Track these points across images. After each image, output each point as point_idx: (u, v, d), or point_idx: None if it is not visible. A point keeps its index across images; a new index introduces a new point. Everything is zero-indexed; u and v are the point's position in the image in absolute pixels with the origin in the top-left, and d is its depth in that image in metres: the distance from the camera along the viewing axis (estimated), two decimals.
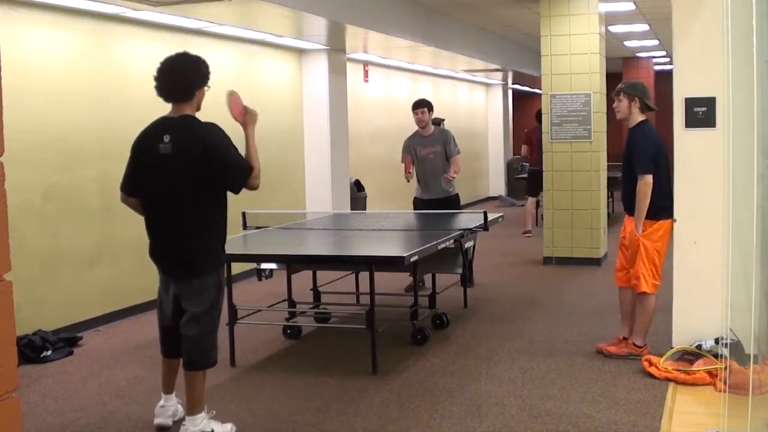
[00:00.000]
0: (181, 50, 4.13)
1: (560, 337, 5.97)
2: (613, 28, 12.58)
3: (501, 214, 7.04)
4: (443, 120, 10.96)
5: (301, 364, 5.48)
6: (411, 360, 5.44)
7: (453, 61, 13.20)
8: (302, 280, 6.59)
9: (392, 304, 6.61)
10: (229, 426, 4.19)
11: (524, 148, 12.00)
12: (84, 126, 6.56)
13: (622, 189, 5.40)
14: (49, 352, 5.70)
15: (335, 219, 7.81)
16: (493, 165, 18.48)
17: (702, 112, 4.99)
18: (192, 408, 4.07)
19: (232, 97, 4.23)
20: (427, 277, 7.01)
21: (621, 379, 4.92)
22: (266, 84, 9.09)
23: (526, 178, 12.35)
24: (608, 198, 11.26)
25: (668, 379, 4.78)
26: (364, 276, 6.21)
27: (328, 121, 9.66)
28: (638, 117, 5.26)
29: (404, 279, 7.35)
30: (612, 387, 4.78)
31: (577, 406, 4.46)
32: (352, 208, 10.12)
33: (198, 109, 4.10)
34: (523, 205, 12.91)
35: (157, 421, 4.29)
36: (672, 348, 5.04)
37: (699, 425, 4.11)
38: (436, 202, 7.47)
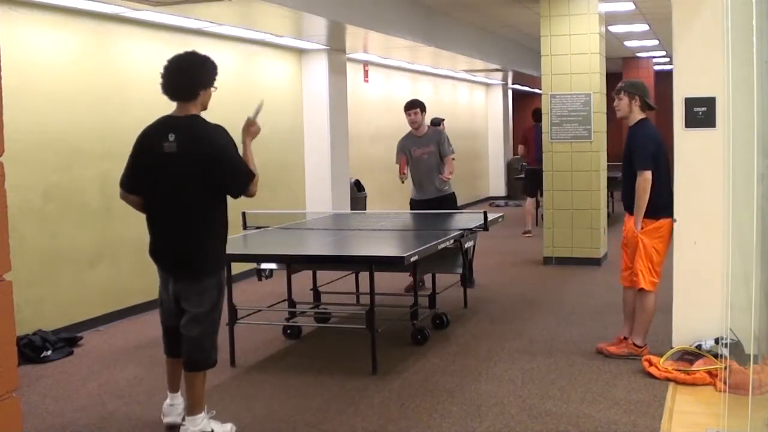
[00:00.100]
0: (187, 50, 4.11)
1: (560, 337, 5.97)
2: (613, 28, 12.58)
3: (501, 214, 7.04)
4: (443, 120, 10.97)
5: (301, 364, 5.48)
6: (411, 360, 5.44)
7: (453, 61, 13.20)
8: (302, 280, 6.59)
9: (392, 304, 6.61)
10: (229, 426, 4.19)
11: (521, 148, 12.00)
12: (84, 126, 6.56)
13: (622, 188, 5.40)
14: (49, 352, 5.70)
15: (335, 219, 7.81)
16: (493, 165, 18.49)
17: (702, 112, 4.99)
18: (192, 408, 4.07)
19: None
20: (427, 277, 7.01)
21: (621, 379, 4.92)
22: (266, 84, 9.09)
23: (523, 177, 12.34)
24: (608, 198, 11.26)
25: (668, 379, 4.78)
26: (364, 276, 6.21)
27: (328, 121, 9.67)
28: (638, 115, 5.27)
29: (404, 279, 7.35)
30: (612, 387, 4.78)
31: (577, 406, 4.46)
32: (352, 208, 10.12)
33: (204, 108, 4.09)
34: (520, 205, 12.92)
35: (168, 419, 4.28)
36: (672, 348, 5.04)
37: (699, 425, 4.11)
38: (431, 202, 7.46)
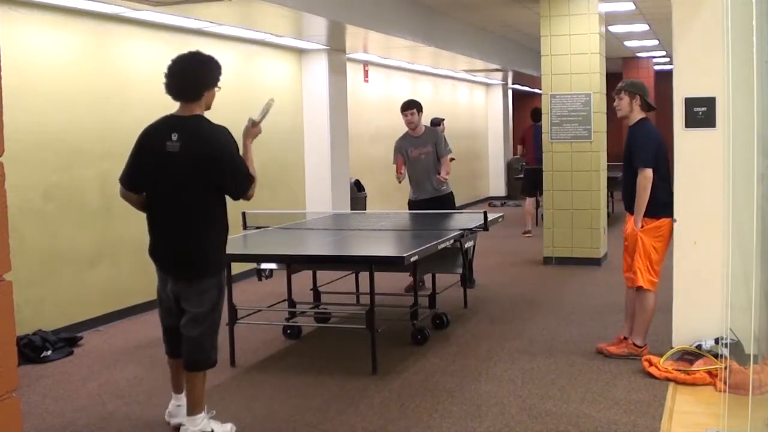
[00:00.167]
0: (191, 50, 4.10)
1: (560, 337, 5.97)
2: (613, 28, 12.58)
3: (501, 214, 7.04)
4: (443, 120, 10.96)
5: (301, 364, 5.48)
6: (411, 360, 5.44)
7: (453, 61, 13.20)
8: (302, 280, 6.59)
9: (392, 304, 6.61)
10: (229, 426, 4.18)
11: (519, 148, 12.00)
12: (84, 126, 6.56)
13: (623, 187, 5.40)
14: (49, 352, 5.70)
15: (335, 219, 7.81)
16: (493, 165, 18.49)
17: (702, 112, 4.99)
18: (192, 408, 4.07)
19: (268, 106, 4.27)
20: (427, 277, 7.01)
21: (621, 379, 4.92)
22: (266, 84, 9.08)
23: (521, 177, 12.34)
24: (608, 198, 11.26)
25: (668, 379, 4.78)
26: (364, 276, 6.21)
27: (328, 121, 9.67)
28: (639, 115, 5.27)
29: (404, 279, 7.35)
30: (612, 387, 4.78)
31: (577, 406, 4.46)
32: (352, 208, 10.12)
33: (207, 108, 4.08)
34: (519, 205, 12.91)
35: (176, 421, 4.25)
36: (672, 348, 5.04)
37: (699, 425, 4.11)
38: (429, 202, 7.47)
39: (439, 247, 5.49)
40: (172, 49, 4.24)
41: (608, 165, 9.58)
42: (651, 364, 4.96)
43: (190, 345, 4.04)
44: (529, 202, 11.88)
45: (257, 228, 6.44)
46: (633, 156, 5.18)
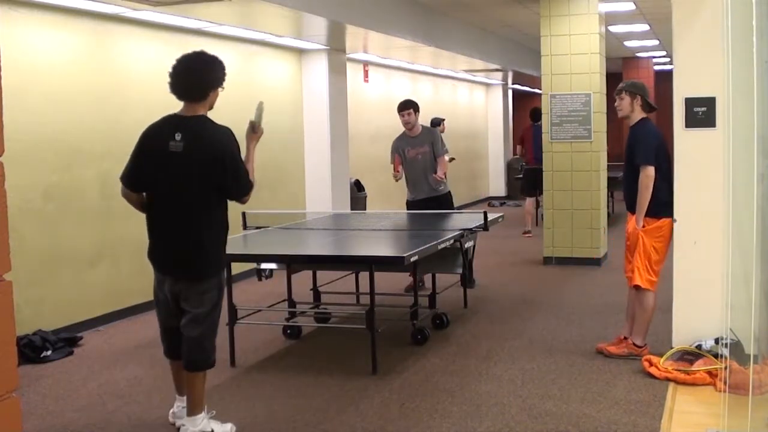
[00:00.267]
0: (195, 50, 4.10)
1: (560, 337, 5.97)
2: (613, 28, 12.58)
3: (501, 214, 7.05)
4: (443, 120, 10.96)
5: (301, 364, 5.48)
6: (411, 360, 5.44)
7: (453, 61, 13.20)
8: (302, 280, 6.59)
9: (392, 304, 6.61)
10: (229, 426, 4.18)
11: (518, 148, 12.00)
12: (84, 126, 6.56)
13: (624, 187, 5.40)
14: (49, 352, 5.70)
15: (335, 219, 7.81)
16: (493, 165, 18.49)
17: (702, 112, 5.00)
18: (192, 408, 4.06)
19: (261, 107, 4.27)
20: (427, 277, 7.01)
21: (621, 379, 4.92)
22: (266, 84, 9.09)
23: (521, 177, 12.34)
24: (608, 198, 11.26)
25: (668, 379, 4.78)
26: (364, 276, 6.21)
27: (328, 121, 9.67)
28: (640, 115, 5.28)
29: (404, 279, 7.35)
30: (612, 387, 4.78)
31: (577, 406, 4.46)
32: (352, 208, 10.12)
33: (210, 108, 4.08)
34: (519, 205, 12.91)
35: (181, 422, 4.21)
36: (672, 348, 5.04)
37: (699, 425, 4.11)
38: (426, 202, 7.47)
39: (439, 247, 5.49)
40: (172, 49, 4.25)
41: (608, 165, 9.58)
42: (651, 364, 4.96)
43: (190, 345, 4.04)
44: (529, 202, 11.88)
45: (257, 228, 6.44)
46: (635, 154, 5.18)
